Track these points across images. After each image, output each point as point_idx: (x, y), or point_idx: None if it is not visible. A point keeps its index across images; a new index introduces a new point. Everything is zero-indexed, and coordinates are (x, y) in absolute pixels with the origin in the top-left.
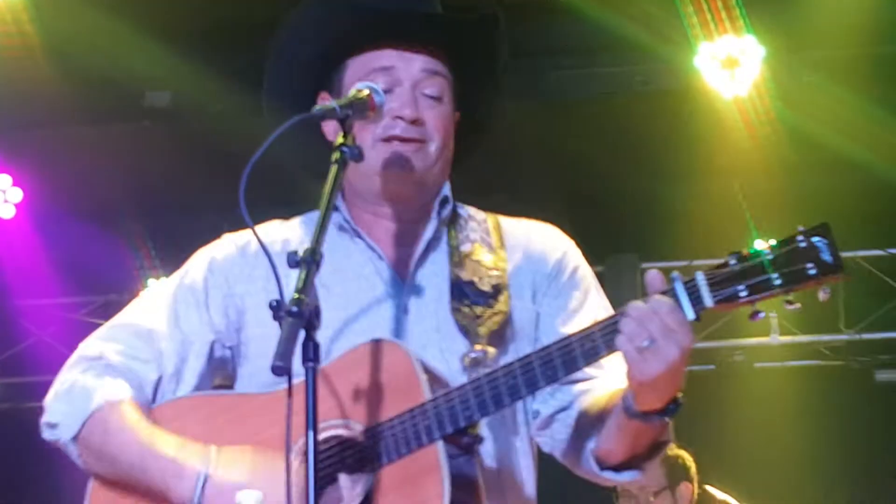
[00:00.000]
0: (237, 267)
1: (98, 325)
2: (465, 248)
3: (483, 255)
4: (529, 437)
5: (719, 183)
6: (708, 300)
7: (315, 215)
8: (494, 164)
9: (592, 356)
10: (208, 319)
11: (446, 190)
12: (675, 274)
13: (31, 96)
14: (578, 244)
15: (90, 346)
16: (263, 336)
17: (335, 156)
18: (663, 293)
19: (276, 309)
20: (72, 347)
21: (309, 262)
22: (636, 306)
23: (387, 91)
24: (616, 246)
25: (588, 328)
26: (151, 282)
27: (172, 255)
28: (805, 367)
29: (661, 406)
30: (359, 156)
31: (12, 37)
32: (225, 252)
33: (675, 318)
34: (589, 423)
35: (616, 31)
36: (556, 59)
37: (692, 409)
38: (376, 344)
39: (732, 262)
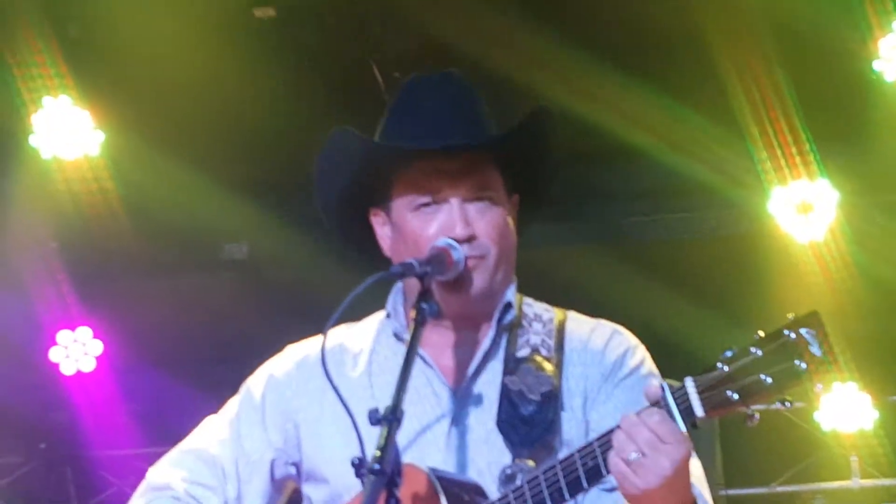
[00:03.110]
0: (294, 382)
1: None
2: (523, 353)
3: (538, 361)
4: None
5: None
6: (699, 409)
7: (379, 318)
8: (564, 305)
9: (595, 476)
10: (266, 438)
11: (510, 295)
12: (664, 383)
13: (111, 249)
14: None
15: (159, 473)
16: (316, 451)
17: (415, 314)
18: (655, 403)
19: (358, 466)
20: None
21: (390, 419)
22: (626, 417)
23: (435, 206)
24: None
25: (589, 442)
26: None
27: None
28: None
29: None
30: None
31: (93, 193)
32: (283, 367)
33: (665, 429)
34: None
35: (689, 175)
36: (630, 204)
37: None
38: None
39: (721, 364)
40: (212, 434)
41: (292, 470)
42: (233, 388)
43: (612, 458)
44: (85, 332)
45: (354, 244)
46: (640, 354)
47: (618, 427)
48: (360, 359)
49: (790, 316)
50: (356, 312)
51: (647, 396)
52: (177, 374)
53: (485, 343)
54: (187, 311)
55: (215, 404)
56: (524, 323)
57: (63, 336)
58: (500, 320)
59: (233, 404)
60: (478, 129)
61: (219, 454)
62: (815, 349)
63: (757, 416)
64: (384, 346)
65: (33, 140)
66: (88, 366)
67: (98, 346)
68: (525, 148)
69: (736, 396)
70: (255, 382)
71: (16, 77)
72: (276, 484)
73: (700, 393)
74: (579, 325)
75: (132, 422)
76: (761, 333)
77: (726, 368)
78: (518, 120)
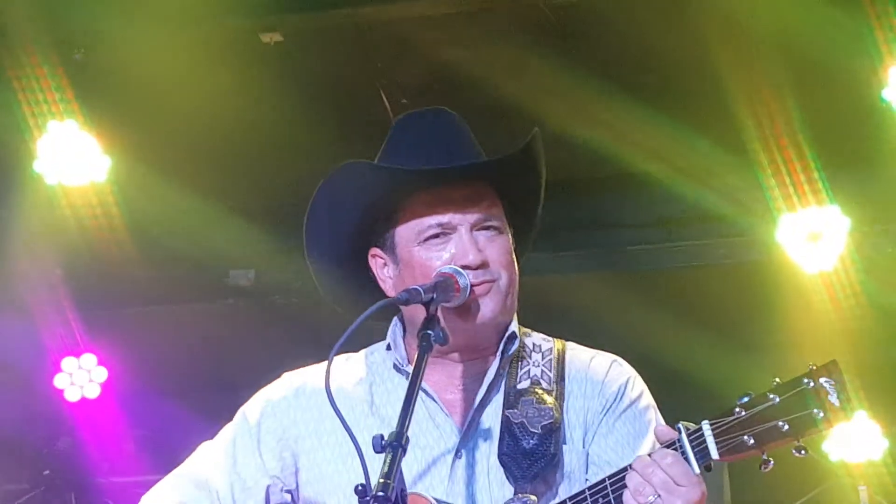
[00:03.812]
0: (291, 409)
1: None
2: (523, 384)
3: (539, 394)
4: None
5: (802, 356)
6: (714, 452)
7: (378, 350)
8: (574, 333)
9: None
10: (262, 464)
11: (514, 325)
12: (680, 425)
13: (116, 276)
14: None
15: (153, 497)
16: (315, 479)
17: (421, 340)
18: (669, 445)
19: (362, 493)
20: None
21: (395, 446)
22: (640, 458)
23: (444, 236)
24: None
25: (601, 481)
26: None
27: None
28: None
29: None
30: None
31: (98, 218)
32: (280, 394)
33: (679, 471)
34: None
35: (698, 203)
36: (638, 232)
37: None
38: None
39: (738, 409)
40: (207, 460)
41: (287, 497)
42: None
43: (629, 500)
44: (90, 359)
45: (351, 292)
46: (640, 386)
47: (631, 468)
48: (360, 390)
49: (811, 365)
50: (360, 341)
51: (659, 437)
52: (182, 401)
53: (489, 375)
54: (193, 338)
55: (220, 431)
56: (524, 354)
57: (68, 363)
58: (504, 351)
59: (228, 430)
60: (478, 158)
61: (213, 479)
62: (833, 399)
63: (772, 461)
64: (385, 378)
65: (38, 165)
66: (93, 392)
67: (103, 373)
68: (531, 171)
69: (752, 441)
70: (252, 409)
71: (21, 102)
72: None
73: (716, 436)
74: (578, 355)
75: (137, 448)
76: (779, 380)
77: (744, 413)
78: (524, 142)
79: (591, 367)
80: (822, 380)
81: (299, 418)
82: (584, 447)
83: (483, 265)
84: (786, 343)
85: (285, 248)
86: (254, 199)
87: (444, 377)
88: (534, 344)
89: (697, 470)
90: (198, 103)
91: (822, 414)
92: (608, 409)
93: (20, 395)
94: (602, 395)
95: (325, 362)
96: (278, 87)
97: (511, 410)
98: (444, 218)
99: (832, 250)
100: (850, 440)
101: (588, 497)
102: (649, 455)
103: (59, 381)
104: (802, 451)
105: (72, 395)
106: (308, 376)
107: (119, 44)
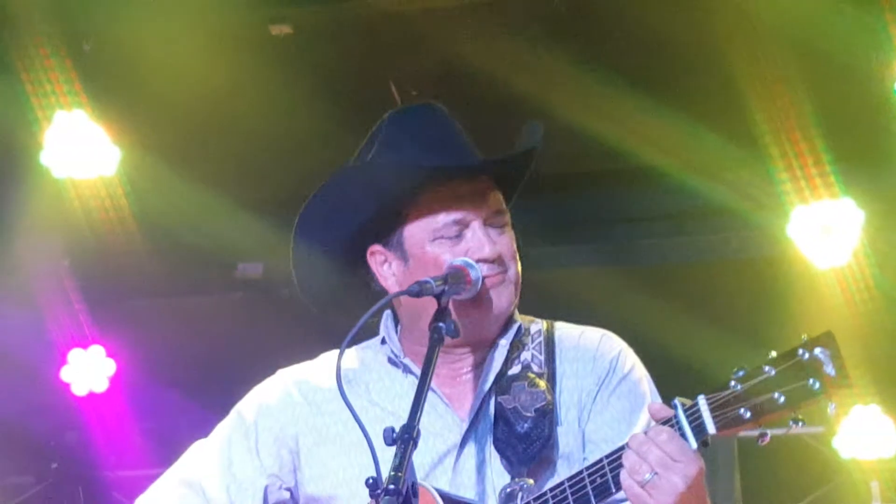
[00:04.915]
0: (288, 407)
1: None
2: (514, 370)
3: (531, 378)
4: None
5: None
6: (710, 426)
7: (370, 346)
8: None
9: (604, 493)
10: (259, 464)
11: (516, 316)
12: (676, 400)
13: (125, 268)
14: None
15: (147, 500)
16: (320, 475)
17: (432, 333)
18: (666, 422)
19: (373, 487)
20: None
21: (406, 439)
22: (635, 436)
23: (459, 232)
24: None
25: (598, 461)
26: None
27: None
28: None
29: None
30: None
31: (107, 211)
32: (277, 391)
33: (675, 448)
34: None
35: (709, 197)
36: (649, 226)
37: None
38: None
39: (733, 383)
40: (201, 460)
41: (286, 495)
42: None
43: (626, 479)
44: (97, 352)
45: (333, 289)
46: (632, 359)
47: (627, 447)
48: (356, 385)
49: (804, 336)
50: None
51: (654, 415)
52: (190, 395)
53: (495, 366)
54: (201, 331)
55: (214, 429)
56: (514, 340)
57: (75, 355)
58: (510, 341)
59: (223, 430)
60: (475, 153)
61: (207, 481)
62: (829, 369)
63: (768, 433)
64: (382, 374)
65: (45, 156)
66: (101, 386)
67: (111, 366)
68: (530, 165)
69: (748, 415)
70: (247, 408)
71: (29, 94)
72: None
73: (713, 411)
74: (567, 333)
75: (145, 442)
76: (774, 353)
77: (739, 387)
78: (535, 138)
79: (581, 344)
80: (816, 350)
81: (297, 415)
82: (579, 426)
83: (498, 259)
84: (798, 339)
85: None
86: (263, 192)
87: (444, 369)
88: (523, 328)
89: (694, 445)
90: (207, 95)
91: (817, 384)
92: (601, 386)
93: (27, 387)
94: (594, 373)
95: (319, 359)
96: (288, 79)
97: (504, 396)
98: (459, 214)
99: (845, 245)
100: (863, 435)
101: (586, 477)
102: (645, 433)
103: (66, 373)
104: (800, 423)
105: (79, 389)
106: (304, 372)
107: (128, 35)
